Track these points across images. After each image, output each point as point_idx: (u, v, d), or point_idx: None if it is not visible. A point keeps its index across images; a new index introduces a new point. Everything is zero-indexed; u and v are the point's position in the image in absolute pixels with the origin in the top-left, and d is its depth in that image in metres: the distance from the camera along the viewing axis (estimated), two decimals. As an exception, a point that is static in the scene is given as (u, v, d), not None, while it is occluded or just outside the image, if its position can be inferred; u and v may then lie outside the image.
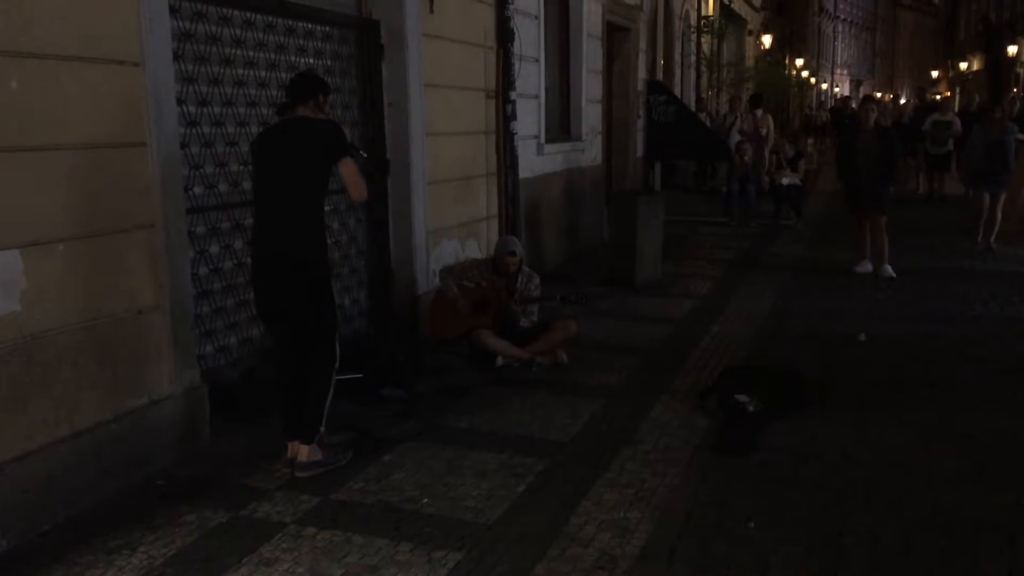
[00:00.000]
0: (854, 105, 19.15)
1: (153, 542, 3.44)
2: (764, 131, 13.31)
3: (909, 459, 4.23)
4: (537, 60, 8.52)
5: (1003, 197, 10.06)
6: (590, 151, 10.48)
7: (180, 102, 4.35)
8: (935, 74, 53.39)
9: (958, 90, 39.25)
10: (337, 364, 4.11)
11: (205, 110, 4.61)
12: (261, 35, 4.99)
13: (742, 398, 4.83)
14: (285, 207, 3.91)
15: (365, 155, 5.24)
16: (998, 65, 33.58)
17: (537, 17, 8.49)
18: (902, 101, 27.91)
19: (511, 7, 7.38)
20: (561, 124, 9.86)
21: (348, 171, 3.93)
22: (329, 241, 5.36)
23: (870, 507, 3.72)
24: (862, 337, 6.41)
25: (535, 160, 8.53)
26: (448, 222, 6.81)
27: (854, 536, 3.48)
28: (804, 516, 3.65)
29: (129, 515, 3.64)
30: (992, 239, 10.01)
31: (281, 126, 4.02)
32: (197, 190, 4.57)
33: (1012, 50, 31.77)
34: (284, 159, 3.90)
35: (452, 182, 6.86)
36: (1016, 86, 29.18)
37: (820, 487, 3.93)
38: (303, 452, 4.03)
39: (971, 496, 3.81)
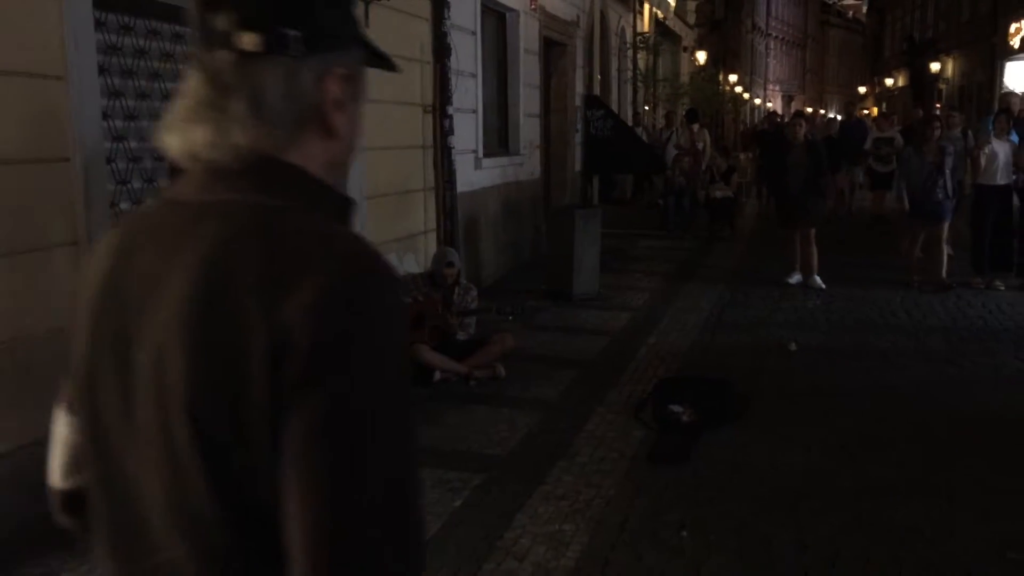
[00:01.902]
0: (778, 121, 19.43)
1: (75, 568, 3.34)
2: (701, 145, 13.57)
3: (836, 467, 4.34)
4: (474, 75, 8.56)
5: (943, 229, 8.64)
6: (528, 165, 10.55)
7: (106, 116, 4.26)
8: (863, 90, 55.11)
9: (884, 105, 40.54)
10: None
11: (132, 124, 4.52)
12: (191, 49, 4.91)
13: (676, 409, 4.91)
14: None
15: None
16: (921, 81, 34.83)
17: (474, 32, 8.54)
18: (830, 116, 28.75)
19: (448, 22, 7.42)
20: (499, 139, 9.92)
21: None
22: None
23: (798, 515, 3.81)
24: (792, 347, 6.56)
25: (473, 174, 8.56)
26: (386, 236, 6.78)
27: (783, 543, 3.56)
28: (735, 524, 3.72)
29: (51, 540, 3.53)
30: (943, 273, 8.65)
31: None
32: (124, 206, 4.47)
33: (935, 67, 32.97)
34: None
35: (390, 196, 6.84)
36: (938, 101, 30.27)
37: (750, 496, 4.01)
38: None
39: (895, 503, 3.93)
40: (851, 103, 27.04)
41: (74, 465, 1.12)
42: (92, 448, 1.02)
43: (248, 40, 0.94)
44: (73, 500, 1.14)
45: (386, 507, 0.85)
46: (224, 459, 0.88)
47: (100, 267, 1.01)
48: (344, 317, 0.86)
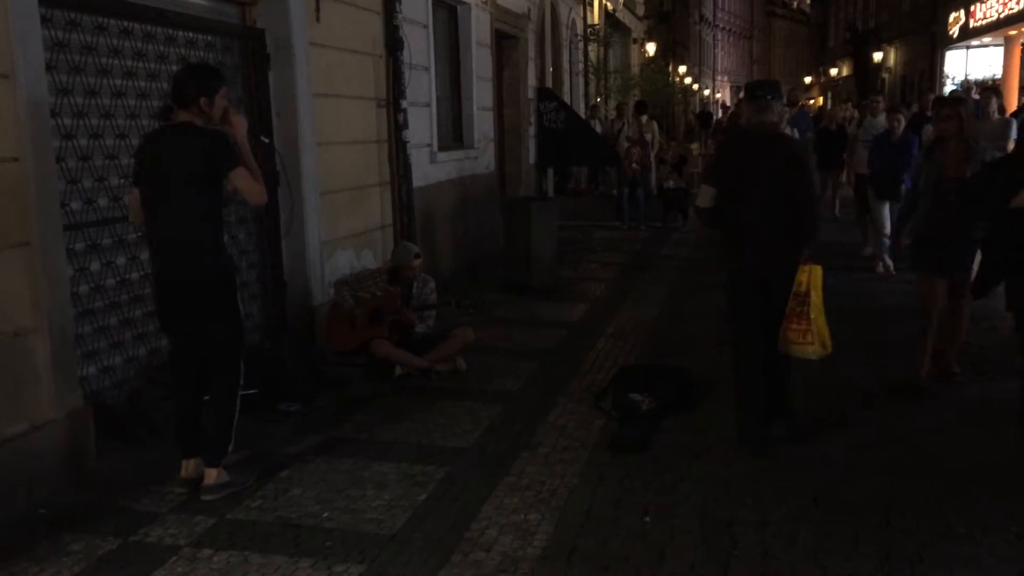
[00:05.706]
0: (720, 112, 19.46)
1: (37, 574, 3.29)
2: (649, 136, 13.68)
3: (791, 450, 4.44)
4: (427, 68, 8.53)
5: (970, 279, 5.10)
6: (483, 158, 10.55)
7: (55, 114, 4.18)
8: (808, 80, 56.05)
9: (829, 95, 41.30)
10: (242, 381, 4.02)
11: (81, 122, 4.43)
12: (140, 44, 4.84)
13: (636, 397, 4.96)
14: (178, 225, 3.77)
15: (267, 140, 5.14)
16: (865, 71, 35.55)
17: (426, 26, 8.51)
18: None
19: (399, 15, 7.37)
20: (454, 132, 9.90)
21: (241, 180, 3.75)
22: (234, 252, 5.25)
23: (758, 496, 3.90)
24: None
25: (429, 168, 8.54)
26: (342, 232, 6.75)
27: (744, 524, 3.64)
28: (696, 507, 3.80)
29: (10, 546, 3.47)
30: (953, 358, 5.51)
31: (160, 133, 3.91)
32: (75, 205, 4.39)
33: (877, 56, 33.68)
34: (166, 172, 3.74)
35: (345, 192, 6.80)
36: (882, 90, 30.93)
37: (710, 479, 4.09)
38: (211, 475, 3.91)
39: (850, 482, 4.04)
40: (794, 90, 27.27)
41: (713, 200, 4.48)
42: (738, 195, 4.38)
43: (770, 98, 4.42)
44: (711, 211, 4.49)
45: (814, 187, 4.97)
46: (785, 187, 4.33)
47: (739, 147, 4.69)
48: (800, 151, 4.88)
